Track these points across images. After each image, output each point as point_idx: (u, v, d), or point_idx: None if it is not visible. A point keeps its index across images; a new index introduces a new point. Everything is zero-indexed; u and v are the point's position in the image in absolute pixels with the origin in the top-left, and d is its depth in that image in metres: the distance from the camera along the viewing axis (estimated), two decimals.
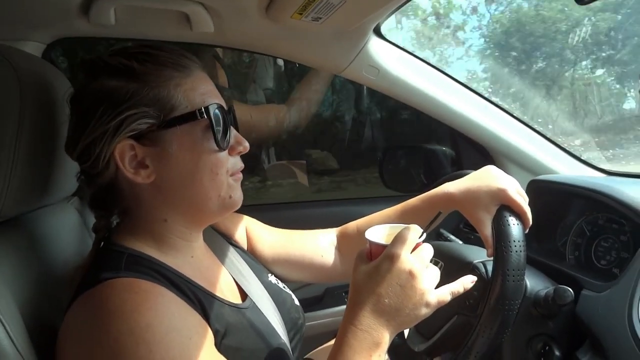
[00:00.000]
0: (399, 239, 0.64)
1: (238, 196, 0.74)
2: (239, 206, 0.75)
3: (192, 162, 0.68)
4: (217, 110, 0.69)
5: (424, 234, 0.67)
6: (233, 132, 0.74)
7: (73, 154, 0.70)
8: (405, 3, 0.99)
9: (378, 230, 0.70)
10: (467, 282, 0.69)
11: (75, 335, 0.60)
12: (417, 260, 0.64)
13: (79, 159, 0.70)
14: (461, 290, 0.68)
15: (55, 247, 0.82)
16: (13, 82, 0.66)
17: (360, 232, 0.97)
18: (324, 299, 1.48)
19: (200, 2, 0.98)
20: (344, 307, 1.41)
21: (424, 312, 0.64)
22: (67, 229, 0.90)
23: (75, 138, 0.68)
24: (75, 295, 0.63)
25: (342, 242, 1.00)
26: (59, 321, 0.62)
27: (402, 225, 0.67)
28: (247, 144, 0.75)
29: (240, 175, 0.75)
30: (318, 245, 0.99)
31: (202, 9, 0.99)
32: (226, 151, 0.71)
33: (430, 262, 0.67)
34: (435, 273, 0.66)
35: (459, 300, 0.70)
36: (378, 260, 0.64)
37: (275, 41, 1.18)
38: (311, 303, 1.45)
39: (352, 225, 1.00)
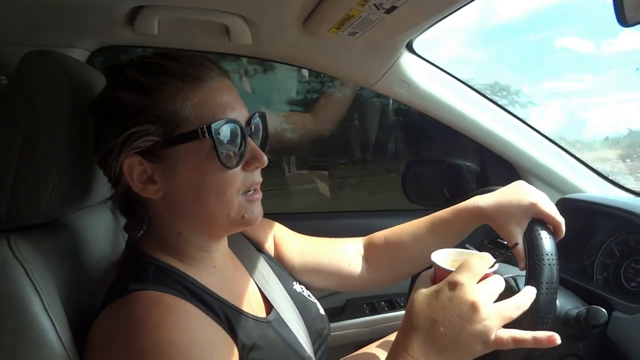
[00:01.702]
0: (465, 267, 0.60)
1: (254, 215, 0.71)
2: (254, 224, 0.72)
3: (198, 180, 0.66)
4: (226, 125, 0.66)
5: (496, 265, 0.63)
6: (250, 145, 0.69)
7: (96, 161, 0.71)
8: (440, 20, 1.01)
9: (444, 254, 0.67)
10: (542, 338, 0.59)
11: (102, 345, 0.61)
12: (483, 292, 0.59)
13: (100, 167, 0.71)
14: (529, 341, 0.59)
15: (93, 246, 0.84)
16: (66, 87, 0.68)
17: (388, 242, 0.97)
18: (345, 310, 1.47)
19: (240, 14, 1.01)
20: (365, 318, 1.46)
21: (480, 349, 0.59)
22: (103, 230, 0.93)
23: (95, 148, 0.70)
24: (105, 302, 0.65)
25: (369, 252, 1.00)
26: (93, 316, 0.64)
27: (472, 252, 0.64)
28: (264, 159, 0.70)
29: (257, 196, 0.72)
30: (345, 254, 0.99)
31: (242, 21, 1.02)
32: (239, 167, 0.68)
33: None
34: (508, 311, 0.60)
35: None
36: (439, 285, 0.61)
37: (310, 54, 1.20)
38: (332, 314, 1.44)
39: (379, 235, 1.00)
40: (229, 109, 0.68)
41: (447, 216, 0.89)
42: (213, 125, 0.64)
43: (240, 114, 0.70)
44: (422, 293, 0.62)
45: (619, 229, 1.08)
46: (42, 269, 0.64)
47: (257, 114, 0.73)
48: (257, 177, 0.72)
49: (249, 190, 0.71)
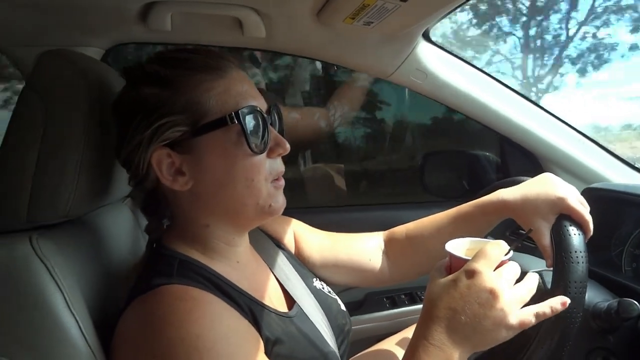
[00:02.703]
0: (481, 255, 0.61)
1: (280, 204, 0.72)
2: (279, 213, 0.73)
3: (226, 168, 0.67)
4: (250, 113, 0.67)
5: (511, 252, 0.64)
6: (272, 133, 0.71)
7: (120, 160, 0.71)
8: (457, 7, 0.98)
9: (459, 243, 0.67)
10: (556, 304, 0.63)
11: (129, 340, 0.61)
12: (500, 278, 0.60)
13: (124, 166, 0.71)
14: (548, 313, 0.62)
15: (113, 244, 0.84)
16: (82, 85, 0.68)
17: (409, 237, 0.96)
18: (365, 304, 1.46)
19: (253, 7, 1.00)
20: (385, 312, 1.45)
21: (504, 334, 0.60)
22: (123, 228, 0.93)
23: (119, 146, 0.70)
24: (131, 297, 0.65)
25: (390, 246, 0.99)
26: (116, 313, 0.65)
27: (486, 240, 0.65)
28: (287, 146, 0.72)
29: (282, 182, 0.73)
30: (366, 249, 0.98)
31: (255, 14, 1.01)
32: (264, 154, 0.69)
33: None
34: (522, 295, 0.62)
35: None
36: (456, 274, 0.62)
37: (324, 46, 1.19)
38: (352, 308, 1.43)
39: (401, 229, 0.99)
40: (250, 98, 0.69)
41: (471, 210, 0.88)
42: (240, 112, 0.65)
43: (260, 103, 0.71)
44: (439, 283, 0.62)
45: None
46: (64, 266, 0.64)
47: (274, 105, 0.74)
48: (280, 165, 0.73)
49: (275, 178, 0.72)
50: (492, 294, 0.59)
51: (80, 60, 0.72)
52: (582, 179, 1.34)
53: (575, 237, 0.73)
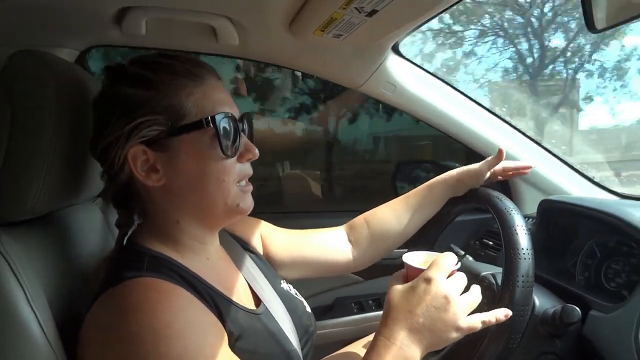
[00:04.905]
0: (435, 265, 0.69)
1: (247, 205, 0.76)
2: (247, 213, 0.77)
3: (199, 168, 0.70)
4: (225, 119, 0.71)
5: (459, 263, 0.71)
6: (243, 139, 0.75)
7: (95, 154, 0.73)
8: (424, 23, 1.02)
9: (414, 256, 0.75)
10: (500, 314, 0.71)
11: (99, 330, 0.63)
12: (453, 286, 0.68)
13: (99, 159, 0.73)
14: (493, 321, 0.70)
15: (81, 243, 0.85)
16: (52, 85, 0.69)
17: (367, 221, 1.07)
18: (334, 308, 1.49)
19: (227, 16, 1.02)
20: (353, 317, 1.47)
21: (454, 335, 0.67)
22: (92, 228, 0.93)
23: (96, 139, 0.72)
24: (100, 291, 0.66)
25: (352, 234, 1.07)
26: (82, 312, 0.65)
27: (437, 254, 0.72)
28: (256, 152, 0.76)
29: (249, 187, 0.77)
30: (329, 241, 1.05)
31: (229, 22, 1.03)
32: (234, 158, 0.73)
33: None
34: (471, 301, 0.70)
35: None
36: (414, 281, 0.69)
37: (296, 55, 1.21)
38: (321, 312, 1.46)
39: (359, 218, 1.09)
40: (225, 105, 0.73)
41: (419, 188, 1.08)
42: (216, 117, 0.70)
43: (234, 111, 0.75)
44: (399, 289, 0.70)
45: (599, 230, 1.09)
46: (27, 263, 0.65)
47: (245, 114, 0.79)
48: (249, 169, 0.78)
49: (242, 182, 0.76)
50: (446, 299, 0.67)
51: (51, 61, 0.73)
52: (543, 191, 1.39)
53: (523, 236, 0.81)
